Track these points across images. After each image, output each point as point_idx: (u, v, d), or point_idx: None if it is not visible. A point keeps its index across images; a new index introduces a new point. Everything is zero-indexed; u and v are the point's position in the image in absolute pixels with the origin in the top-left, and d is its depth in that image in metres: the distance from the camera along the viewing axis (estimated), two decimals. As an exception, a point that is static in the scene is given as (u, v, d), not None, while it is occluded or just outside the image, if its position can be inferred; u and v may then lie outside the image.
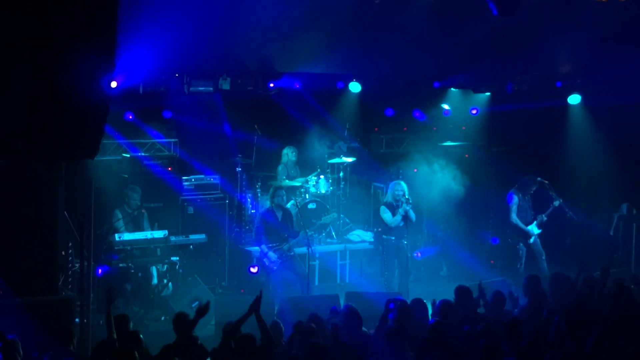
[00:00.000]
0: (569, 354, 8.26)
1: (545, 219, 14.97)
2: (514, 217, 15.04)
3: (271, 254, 13.68)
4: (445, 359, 8.37)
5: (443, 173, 15.95)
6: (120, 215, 13.71)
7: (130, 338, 8.81)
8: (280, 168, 15.99)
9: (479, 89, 17.28)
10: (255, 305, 8.74)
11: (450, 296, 10.41)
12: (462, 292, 10.34)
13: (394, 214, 14.09)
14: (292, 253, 13.91)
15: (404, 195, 14.09)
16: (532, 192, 15.13)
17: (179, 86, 14.67)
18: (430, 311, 10.27)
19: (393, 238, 14.22)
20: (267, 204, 14.38)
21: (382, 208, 14.28)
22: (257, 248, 14.08)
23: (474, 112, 17.66)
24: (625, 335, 8.87)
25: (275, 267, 13.70)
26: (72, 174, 11.81)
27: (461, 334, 9.16)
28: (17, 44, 8.66)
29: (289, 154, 16.09)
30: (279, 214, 13.99)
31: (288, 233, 13.90)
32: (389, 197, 14.31)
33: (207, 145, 15.69)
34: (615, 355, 8.35)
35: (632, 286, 11.07)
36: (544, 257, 14.99)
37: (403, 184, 14.34)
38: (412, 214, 14.12)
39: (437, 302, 9.97)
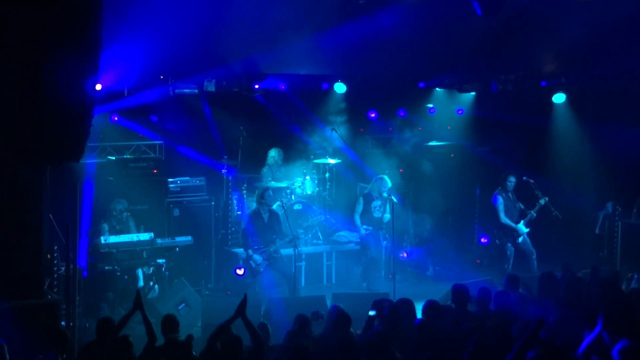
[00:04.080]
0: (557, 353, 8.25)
1: (534, 215, 14.96)
2: (503, 217, 15.04)
3: (256, 257, 13.68)
4: (435, 358, 8.35)
5: (428, 173, 15.93)
6: (107, 228, 13.63)
7: (121, 343, 8.74)
8: (264, 170, 15.85)
9: (463, 89, 17.32)
10: (241, 308, 8.69)
11: (437, 296, 10.34)
12: (459, 290, 10.30)
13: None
14: (279, 254, 13.90)
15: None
16: (512, 188, 15.10)
17: (164, 88, 14.66)
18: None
19: (371, 228, 15.09)
20: (254, 205, 14.36)
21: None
22: (242, 250, 14.07)
23: (459, 112, 17.72)
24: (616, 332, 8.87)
25: (261, 269, 13.71)
26: (57, 177, 11.74)
27: (452, 333, 9.14)
28: (2, 47, 8.63)
29: (275, 156, 15.98)
30: (266, 216, 13.99)
31: (275, 234, 13.89)
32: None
33: (192, 147, 15.63)
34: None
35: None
36: (534, 257, 15.01)
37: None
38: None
39: (425, 303, 9.93)
